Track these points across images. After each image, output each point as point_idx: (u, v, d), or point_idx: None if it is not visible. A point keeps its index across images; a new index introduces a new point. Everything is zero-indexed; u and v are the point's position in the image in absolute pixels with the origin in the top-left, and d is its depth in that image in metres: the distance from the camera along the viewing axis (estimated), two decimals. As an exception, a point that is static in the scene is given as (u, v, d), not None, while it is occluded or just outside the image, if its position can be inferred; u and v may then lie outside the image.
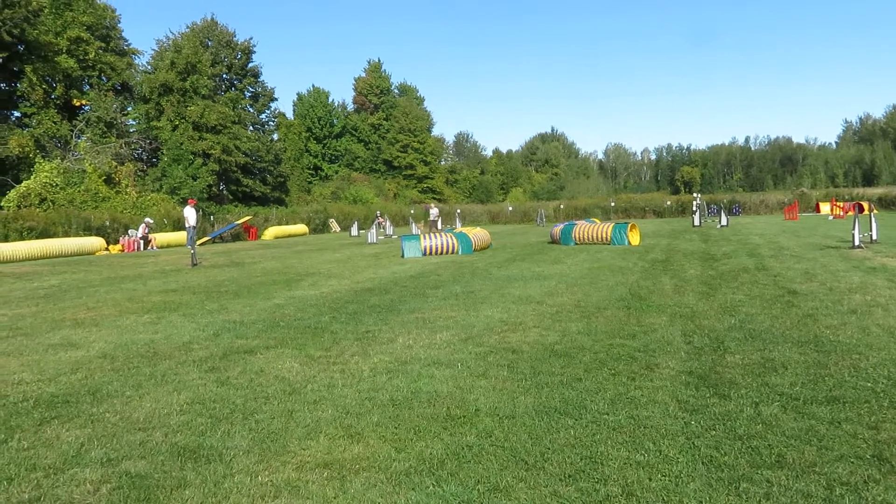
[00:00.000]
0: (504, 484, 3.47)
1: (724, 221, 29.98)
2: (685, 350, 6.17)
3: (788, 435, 3.99)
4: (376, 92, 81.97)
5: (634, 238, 20.08)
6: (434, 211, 40.99)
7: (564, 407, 4.64)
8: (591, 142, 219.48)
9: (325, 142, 77.70)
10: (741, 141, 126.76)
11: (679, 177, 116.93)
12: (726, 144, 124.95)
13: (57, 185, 33.50)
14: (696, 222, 31.51)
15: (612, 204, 52.56)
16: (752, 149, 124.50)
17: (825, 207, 44.54)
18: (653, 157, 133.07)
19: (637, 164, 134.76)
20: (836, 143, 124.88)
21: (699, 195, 43.58)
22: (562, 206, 53.93)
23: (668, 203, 52.75)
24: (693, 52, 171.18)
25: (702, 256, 15.24)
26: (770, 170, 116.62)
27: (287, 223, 41.43)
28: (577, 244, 20.45)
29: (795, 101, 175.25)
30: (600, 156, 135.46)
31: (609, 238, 19.97)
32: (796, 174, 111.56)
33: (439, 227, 36.34)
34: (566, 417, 4.44)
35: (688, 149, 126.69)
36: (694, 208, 34.04)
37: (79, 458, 4.00)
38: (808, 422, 4.20)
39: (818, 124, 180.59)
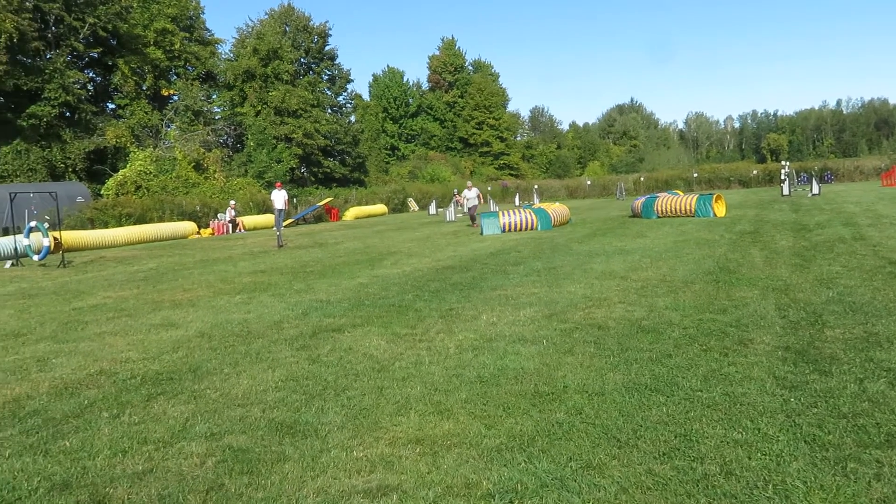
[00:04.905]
0: (597, 461, 3.45)
1: (815, 190, 28.59)
2: (780, 325, 5.95)
3: (897, 413, 3.80)
4: (451, 69, 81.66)
5: (720, 209, 19.43)
6: (473, 192, 25.42)
7: (655, 384, 4.57)
8: (670, 111, 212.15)
9: (401, 121, 78.20)
10: (832, 104, 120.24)
11: (765, 144, 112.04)
12: (816, 109, 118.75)
13: (150, 172, 35.05)
14: (786, 191, 30.19)
15: (695, 175, 50.81)
16: (845, 112, 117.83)
17: (928, 172, 41.78)
18: (736, 124, 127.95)
19: (720, 132, 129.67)
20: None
21: (787, 163, 41.58)
22: (642, 179, 52.55)
23: (755, 172, 50.63)
24: (776, 13, 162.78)
25: (793, 227, 14.61)
26: (864, 134, 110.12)
27: (367, 204, 42.03)
28: (659, 217, 19.94)
29: (891, 60, 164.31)
30: (681, 125, 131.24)
31: (693, 210, 19.40)
32: (893, 137, 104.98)
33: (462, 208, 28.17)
34: (657, 394, 4.36)
35: (774, 115, 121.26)
36: (783, 177, 32.47)
37: (185, 433, 4.22)
38: (918, 399, 3.99)
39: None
